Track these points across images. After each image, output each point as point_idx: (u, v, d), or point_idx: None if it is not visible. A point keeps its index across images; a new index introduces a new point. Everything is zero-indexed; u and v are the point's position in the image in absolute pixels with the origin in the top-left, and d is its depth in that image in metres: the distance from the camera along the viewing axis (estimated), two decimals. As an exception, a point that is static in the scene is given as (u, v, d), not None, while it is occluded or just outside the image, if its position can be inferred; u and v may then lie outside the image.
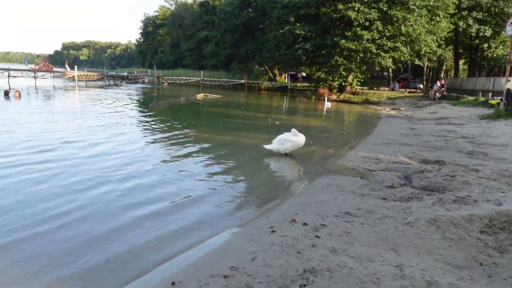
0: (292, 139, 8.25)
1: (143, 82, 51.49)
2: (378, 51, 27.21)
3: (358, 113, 22.89)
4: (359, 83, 33.65)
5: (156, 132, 11.53)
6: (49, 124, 11.67)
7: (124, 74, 57.47)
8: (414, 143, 10.37)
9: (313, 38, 30.72)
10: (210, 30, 56.76)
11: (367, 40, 26.79)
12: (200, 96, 28.95)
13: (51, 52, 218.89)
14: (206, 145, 9.73)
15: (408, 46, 27.91)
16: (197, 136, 11.13)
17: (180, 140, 10.15)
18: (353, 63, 29.24)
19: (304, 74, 50.99)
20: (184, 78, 50.54)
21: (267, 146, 8.61)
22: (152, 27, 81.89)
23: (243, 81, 46.34)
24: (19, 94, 20.14)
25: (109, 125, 11.95)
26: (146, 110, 17.48)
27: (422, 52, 28.78)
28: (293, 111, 22.39)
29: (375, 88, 38.72)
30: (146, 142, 9.72)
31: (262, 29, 46.17)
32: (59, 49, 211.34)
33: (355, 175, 6.98)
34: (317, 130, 13.66)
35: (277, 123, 15.07)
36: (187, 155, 8.44)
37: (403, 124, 15.65)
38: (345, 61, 29.20)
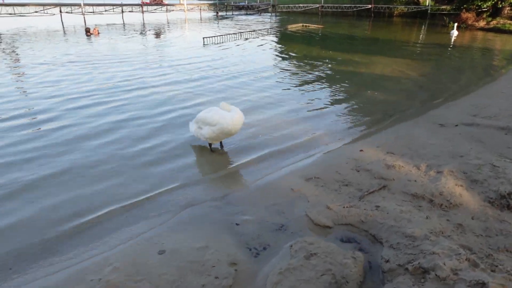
0: (212, 121, 4.28)
1: (259, 11, 48.09)
2: None
3: (496, 49, 15.17)
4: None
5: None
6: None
7: (242, 3, 54.81)
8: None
9: None
10: None
11: None
12: (294, 26, 24.32)
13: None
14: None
15: None
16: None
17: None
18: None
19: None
20: (302, 5, 44.88)
21: (190, 127, 4.85)
22: None
23: (369, 6, 38.32)
24: (97, 31, 19.80)
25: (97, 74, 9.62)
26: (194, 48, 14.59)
27: None
28: (391, 47, 16.11)
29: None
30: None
31: None
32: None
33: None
34: (383, 84, 8.60)
35: (329, 72, 10.32)
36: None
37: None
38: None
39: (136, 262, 2.55)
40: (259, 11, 48.76)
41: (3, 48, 13.34)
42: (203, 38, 15.69)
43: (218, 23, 29.19)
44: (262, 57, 12.09)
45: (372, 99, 7.20)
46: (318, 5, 42.57)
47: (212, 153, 4.58)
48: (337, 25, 28.86)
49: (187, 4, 37.30)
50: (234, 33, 18.16)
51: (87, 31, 19.50)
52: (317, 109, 6.44)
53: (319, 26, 25.44)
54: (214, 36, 16.48)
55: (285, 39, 18.75)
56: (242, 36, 18.14)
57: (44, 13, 24.41)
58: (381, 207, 3.15)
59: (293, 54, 13.25)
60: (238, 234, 2.92)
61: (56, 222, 3.16)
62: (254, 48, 14.34)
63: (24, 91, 7.28)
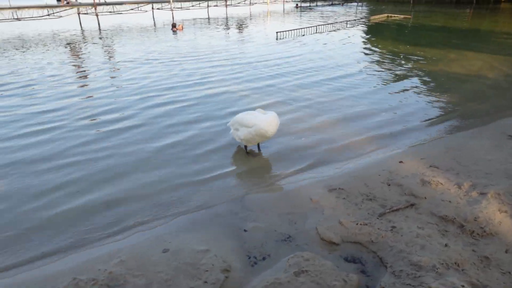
0: (249, 122, 4.36)
1: (345, 2, 46.34)
2: None
3: None
4: None
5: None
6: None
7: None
8: None
9: None
10: None
11: None
12: (377, 17, 23.00)
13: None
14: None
15: None
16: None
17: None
18: None
19: None
20: (391, -7, 42.11)
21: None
22: None
23: (470, -9, 34.51)
24: (182, 26, 21.00)
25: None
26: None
27: None
28: (491, 40, 14.30)
29: None
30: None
31: None
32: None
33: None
34: (462, 85, 7.81)
35: (409, 71, 9.60)
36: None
37: None
38: None
39: (140, 257, 2.78)
40: (345, 1, 47.07)
41: (102, 44, 15.02)
42: (277, 33, 15.74)
43: (300, 16, 28.98)
44: (340, 55, 11.51)
45: (442, 101, 6.57)
46: (409, -7, 39.57)
47: (247, 155, 4.67)
48: (431, 15, 26.51)
49: (270, -3, 37.71)
50: (311, 26, 17.81)
51: (173, 26, 20.79)
52: (371, 111, 6.11)
53: (407, 16, 23.65)
54: (290, 30, 16.38)
55: (369, 32, 17.79)
56: (320, 29, 17.74)
57: (138, 10, 26.76)
58: (398, 228, 2.93)
59: (376, 50, 12.45)
60: (242, 241, 2.98)
61: (93, 213, 3.56)
62: (331, 43, 13.82)
63: (107, 89, 7.99)
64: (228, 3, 33.82)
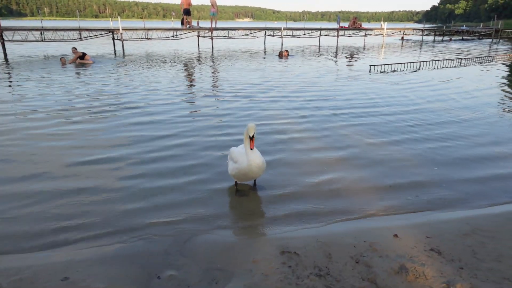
0: (234, 157, 4.04)
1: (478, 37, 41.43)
2: None
3: None
4: None
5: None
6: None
7: (462, 28, 48.39)
8: None
9: None
10: None
11: None
12: (505, 57, 19.88)
13: (428, 8, 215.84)
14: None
15: None
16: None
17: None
18: None
19: None
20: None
21: None
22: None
23: None
24: (287, 53, 21.31)
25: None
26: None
27: None
28: None
29: None
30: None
31: None
32: (436, 4, 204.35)
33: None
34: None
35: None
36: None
37: None
38: None
39: (38, 279, 2.72)
40: (479, 37, 42.17)
41: (209, 66, 16.18)
42: (370, 66, 14.78)
43: (420, 49, 26.94)
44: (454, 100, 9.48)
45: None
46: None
47: (236, 193, 4.28)
48: None
49: (387, 29, 35.78)
50: (427, 61, 16.02)
51: (280, 54, 21.22)
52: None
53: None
54: (384, 65, 15.22)
55: (500, 73, 14.94)
56: (439, 64, 16.07)
57: (250, 36, 28.35)
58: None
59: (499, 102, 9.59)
60: (147, 289, 2.68)
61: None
62: (454, 85, 11.57)
63: (181, 124, 7.02)
64: (340, 33, 33.36)
